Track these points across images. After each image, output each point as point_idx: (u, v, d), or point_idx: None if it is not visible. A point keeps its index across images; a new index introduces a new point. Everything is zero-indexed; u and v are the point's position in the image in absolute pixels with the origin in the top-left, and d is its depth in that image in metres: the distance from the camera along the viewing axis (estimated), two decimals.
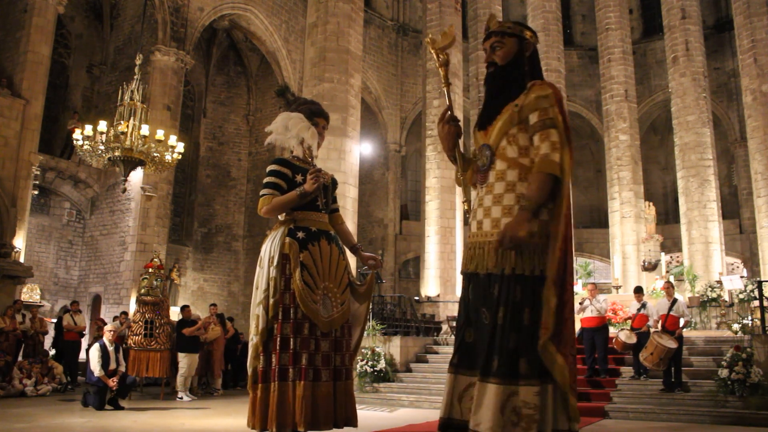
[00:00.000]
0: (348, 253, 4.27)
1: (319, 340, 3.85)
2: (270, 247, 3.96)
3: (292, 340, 3.78)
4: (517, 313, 2.86)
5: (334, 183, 4.30)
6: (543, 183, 2.88)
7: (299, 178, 3.98)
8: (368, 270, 4.29)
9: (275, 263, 3.88)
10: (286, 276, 3.86)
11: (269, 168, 4.05)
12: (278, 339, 3.79)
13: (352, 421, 3.92)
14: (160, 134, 11.08)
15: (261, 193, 3.98)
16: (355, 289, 4.15)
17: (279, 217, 4.07)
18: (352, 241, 4.32)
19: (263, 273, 3.93)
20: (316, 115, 4.23)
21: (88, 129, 10.95)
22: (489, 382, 2.81)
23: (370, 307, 12.08)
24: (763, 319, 9.32)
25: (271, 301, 3.83)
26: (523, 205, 2.89)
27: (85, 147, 10.88)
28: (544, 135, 2.94)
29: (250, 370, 3.85)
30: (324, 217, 4.11)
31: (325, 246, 4.01)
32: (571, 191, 3.35)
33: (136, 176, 15.50)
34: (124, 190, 11.78)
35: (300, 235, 3.95)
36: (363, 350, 10.47)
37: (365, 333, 11.02)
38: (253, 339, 3.88)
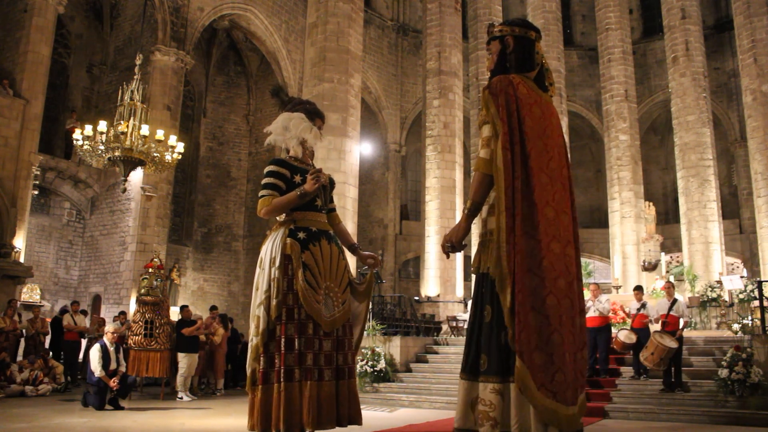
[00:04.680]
0: (347, 252, 4.29)
1: (322, 339, 3.86)
2: (271, 248, 3.96)
3: (296, 340, 3.77)
4: (480, 310, 2.97)
5: (331, 183, 4.32)
6: (476, 182, 2.99)
7: (297, 178, 3.99)
8: (367, 270, 4.31)
9: (277, 264, 3.87)
10: (289, 277, 3.86)
11: (267, 169, 4.04)
12: (282, 340, 3.78)
13: (357, 419, 3.95)
14: (160, 134, 11.08)
15: (260, 194, 3.97)
16: (354, 288, 4.17)
17: (278, 217, 4.08)
18: (350, 240, 4.34)
19: (264, 274, 3.93)
20: (313, 114, 4.24)
21: (88, 129, 10.95)
22: (461, 378, 3.02)
23: (370, 307, 12.06)
24: (763, 319, 9.32)
25: (274, 302, 3.82)
26: (465, 207, 3.04)
27: (85, 147, 10.88)
28: (480, 134, 3.07)
29: (249, 372, 3.84)
30: (323, 217, 4.13)
31: (326, 246, 4.02)
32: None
33: (136, 176, 15.50)
34: (124, 190, 11.77)
35: (301, 235, 3.95)
36: (363, 350, 10.47)
37: (365, 332, 11.05)
38: (253, 340, 3.86)
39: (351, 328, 4.10)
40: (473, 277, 3.22)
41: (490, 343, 2.85)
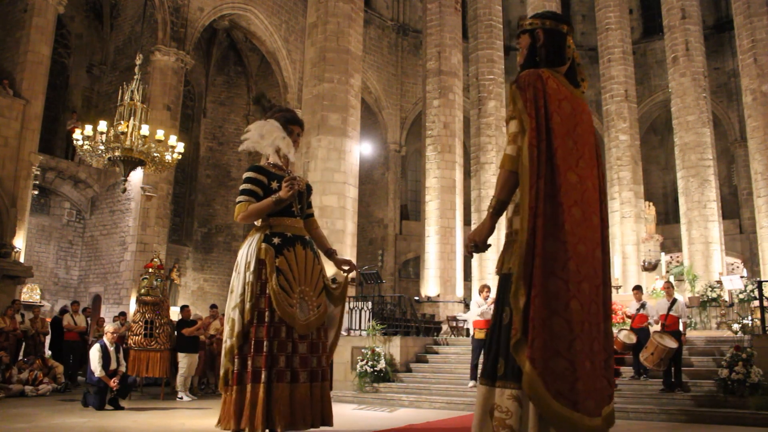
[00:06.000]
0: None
1: (297, 342, 3.96)
2: (246, 253, 4.08)
3: (267, 343, 3.88)
4: (499, 312, 2.83)
5: (308, 189, 4.44)
6: (501, 180, 2.87)
7: (275, 184, 4.10)
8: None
9: (251, 268, 4.00)
10: (262, 281, 3.98)
11: (245, 175, 4.18)
12: (253, 342, 3.89)
13: (328, 420, 4.05)
14: (160, 134, 11.08)
15: (237, 200, 4.09)
16: (330, 292, 4.29)
17: (255, 222, 4.20)
18: (326, 245, 4.46)
19: (239, 277, 4.05)
20: (290, 122, 4.35)
21: (88, 129, 10.95)
22: (479, 383, 2.87)
23: (371, 306, 11.97)
24: (763, 319, 9.32)
25: (248, 305, 3.94)
26: (490, 205, 2.93)
27: (85, 147, 10.88)
28: (507, 130, 2.96)
29: (222, 372, 3.96)
30: (299, 223, 4.23)
31: (301, 251, 4.13)
32: None
33: (136, 176, 15.51)
34: (124, 190, 11.78)
35: (276, 240, 4.06)
36: (363, 350, 10.47)
37: (365, 332, 11.05)
38: (227, 342, 3.99)
39: (326, 332, 4.21)
40: (494, 278, 3.15)
41: (508, 347, 2.70)
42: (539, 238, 2.69)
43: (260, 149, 4.29)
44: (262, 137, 4.24)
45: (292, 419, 3.82)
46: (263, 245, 4.03)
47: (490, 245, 2.94)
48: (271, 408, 3.78)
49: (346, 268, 4.33)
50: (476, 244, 2.89)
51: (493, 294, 12.10)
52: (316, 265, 4.20)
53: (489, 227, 2.88)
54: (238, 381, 3.87)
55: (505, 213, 2.96)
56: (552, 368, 2.58)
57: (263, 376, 3.81)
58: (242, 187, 4.14)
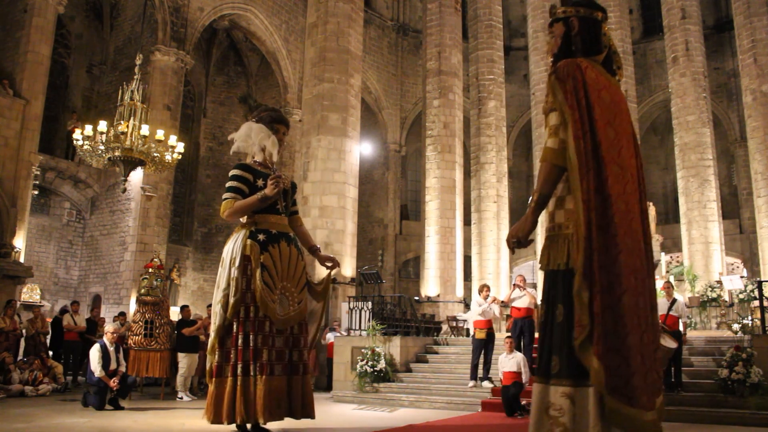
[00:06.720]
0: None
1: (274, 336, 4.09)
2: (232, 248, 4.18)
3: (252, 336, 3.98)
4: (550, 310, 2.78)
5: (293, 187, 4.55)
6: (543, 173, 2.81)
7: (260, 182, 4.22)
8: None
9: (237, 264, 4.11)
10: (247, 276, 4.09)
11: (232, 173, 4.30)
12: (239, 336, 3.99)
13: (310, 413, 4.16)
14: (160, 134, 11.08)
15: (224, 197, 4.20)
16: (312, 288, 4.41)
17: (241, 219, 4.30)
18: (310, 242, 4.59)
19: (224, 273, 4.16)
20: (276, 122, 4.48)
21: (88, 129, 10.95)
22: (534, 381, 2.84)
23: (371, 307, 11.98)
24: (763, 319, 9.31)
25: (232, 300, 4.04)
26: (532, 199, 2.86)
27: (85, 147, 10.88)
28: (547, 122, 2.89)
29: (207, 366, 4.10)
30: (284, 220, 4.35)
31: (285, 248, 4.24)
32: None
33: (136, 176, 15.50)
34: (124, 190, 11.78)
35: (261, 237, 4.16)
36: (363, 350, 10.47)
37: (365, 332, 11.05)
38: (211, 335, 4.14)
39: (307, 327, 4.33)
40: (542, 275, 3.02)
41: (561, 345, 2.66)
42: (594, 232, 2.65)
43: (247, 149, 4.41)
44: (249, 137, 4.36)
45: (269, 410, 3.94)
46: (248, 241, 4.13)
47: (532, 240, 2.89)
48: (255, 399, 3.91)
49: (329, 264, 4.43)
50: (519, 239, 2.84)
51: (492, 293, 12.11)
52: (299, 262, 4.29)
53: (531, 222, 2.84)
54: (217, 373, 3.98)
55: (546, 207, 2.91)
56: (608, 365, 2.55)
57: (251, 369, 3.91)
58: (228, 184, 4.23)
